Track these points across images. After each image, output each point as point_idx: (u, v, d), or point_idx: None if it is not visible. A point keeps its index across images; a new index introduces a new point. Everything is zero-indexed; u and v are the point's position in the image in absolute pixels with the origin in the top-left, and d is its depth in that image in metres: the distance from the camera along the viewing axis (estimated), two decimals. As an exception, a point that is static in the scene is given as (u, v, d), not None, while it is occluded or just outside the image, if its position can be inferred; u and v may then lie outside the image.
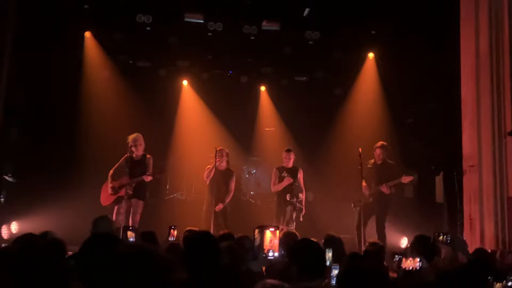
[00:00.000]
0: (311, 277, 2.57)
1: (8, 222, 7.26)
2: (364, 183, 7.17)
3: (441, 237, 3.72)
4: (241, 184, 9.52)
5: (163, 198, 9.08)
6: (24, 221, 7.24)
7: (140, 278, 1.39)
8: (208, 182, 7.34)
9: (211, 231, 6.85)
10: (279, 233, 6.67)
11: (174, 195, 9.19)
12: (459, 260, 3.94)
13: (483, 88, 6.46)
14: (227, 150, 7.53)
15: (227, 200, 7.35)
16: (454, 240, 3.71)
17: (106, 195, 6.80)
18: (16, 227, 7.34)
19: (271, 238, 2.69)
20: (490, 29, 6.45)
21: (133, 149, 6.75)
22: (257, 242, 2.60)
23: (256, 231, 2.68)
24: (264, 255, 2.61)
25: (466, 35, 6.73)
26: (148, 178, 6.77)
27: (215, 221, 7.01)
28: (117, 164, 6.87)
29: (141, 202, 6.80)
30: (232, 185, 7.48)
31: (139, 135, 6.90)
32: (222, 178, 7.35)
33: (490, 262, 3.74)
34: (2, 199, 7.53)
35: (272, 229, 2.67)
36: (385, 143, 7.43)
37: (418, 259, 3.61)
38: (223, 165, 7.41)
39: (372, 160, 7.40)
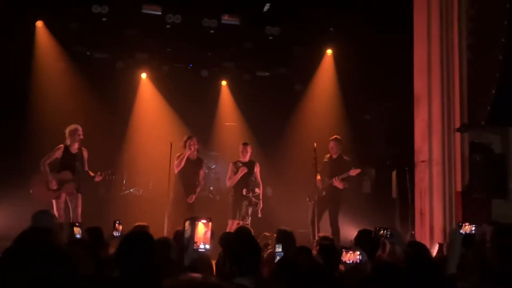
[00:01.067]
0: (242, 273, 2.54)
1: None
2: (318, 177, 7.24)
3: (381, 232, 3.77)
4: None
5: (118, 193, 8.90)
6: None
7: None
8: (177, 171, 7.05)
9: (166, 223, 6.69)
10: (233, 226, 6.72)
11: (131, 190, 9.03)
12: (397, 253, 4.01)
13: (434, 85, 6.62)
14: (196, 138, 7.26)
15: (198, 191, 7.19)
16: (393, 234, 3.76)
17: (43, 190, 6.47)
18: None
19: (205, 231, 2.64)
20: (441, 28, 6.61)
21: (69, 140, 6.53)
22: (187, 234, 2.55)
23: (187, 223, 2.62)
24: (195, 248, 2.55)
25: (419, 35, 6.87)
26: (98, 178, 6.60)
27: (175, 212, 6.79)
28: (52, 156, 6.56)
29: (79, 195, 6.59)
30: (202, 174, 7.33)
31: (79, 126, 6.67)
32: (193, 168, 7.13)
33: (423, 254, 3.81)
34: None
35: (204, 221, 2.62)
36: (338, 136, 7.51)
37: (358, 253, 3.65)
38: (195, 154, 7.18)
39: (328, 155, 7.47)
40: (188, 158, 7.04)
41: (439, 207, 6.44)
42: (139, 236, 2.58)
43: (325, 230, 7.03)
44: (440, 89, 6.51)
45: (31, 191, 6.52)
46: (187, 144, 7.00)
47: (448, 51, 6.49)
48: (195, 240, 2.54)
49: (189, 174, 7.06)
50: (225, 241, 3.00)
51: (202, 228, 2.58)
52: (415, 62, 6.85)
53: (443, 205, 6.42)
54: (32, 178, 6.63)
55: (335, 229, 7.14)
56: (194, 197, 7.08)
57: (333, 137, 7.45)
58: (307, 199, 7.20)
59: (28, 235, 2.84)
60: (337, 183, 7.16)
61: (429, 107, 6.64)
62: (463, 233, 3.37)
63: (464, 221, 3.57)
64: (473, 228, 3.41)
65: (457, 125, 6.41)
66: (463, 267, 3.37)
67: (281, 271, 2.87)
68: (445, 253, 5.47)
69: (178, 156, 7.08)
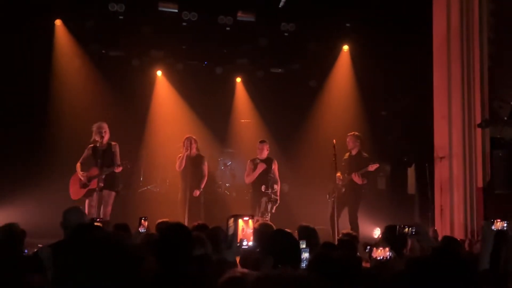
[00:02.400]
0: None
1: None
2: (338, 174, 7.25)
3: (406, 229, 3.77)
4: (216, 176, 9.48)
5: (136, 190, 8.95)
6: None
7: (109, 267, 1.36)
8: (179, 171, 7.36)
9: (186, 221, 6.85)
10: (254, 223, 6.76)
11: (148, 187, 9.08)
12: (425, 251, 4.01)
13: (454, 81, 6.60)
14: (194, 137, 7.52)
15: (203, 186, 7.36)
16: (419, 232, 3.76)
17: (76, 189, 6.61)
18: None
19: (243, 227, 2.67)
20: (461, 23, 6.58)
21: (97, 137, 6.60)
22: (231, 231, 2.58)
23: (231, 220, 2.65)
24: (238, 245, 2.59)
25: (438, 30, 6.85)
26: (118, 169, 6.66)
27: (190, 211, 7.01)
28: (83, 155, 6.70)
29: (112, 193, 6.68)
30: (205, 169, 7.49)
31: (104, 123, 6.74)
32: (193, 165, 7.36)
33: (457, 249, 3.81)
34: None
35: (246, 218, 2.65)
36: (356, 133, 7.53)
37: (388, 249, 3.66)
38: (193, 152, 7.41)
39: (348, 152, 7.50)
40: (188, 157, 7.26)
41: (460, 203, 6.43)
42: (178, 231, 2.61)
43: (344, 226, 7.04)
44: (461, 84, 6.49)
45: (70, 192, 6.65)
46: (184, 145, 7.28)
47: (469, 45, 6.45)
48: (238, 237, 2.56)
49: (191, 172, 7.27)
50: (266, 238, 3.03)
51: (244, 225, 2.61)
52: (434, 57, 6.83)
53: (464, 201, 6.41)
54: (59, 175, 6.77)
55: (355, 226, 7.15)
56: (198, 192, 7.24)
57: (350, 133, 7.47)
58: (327, 196, 7.21)
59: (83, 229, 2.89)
60: (356, 178, 7.17)
61: (449, 103, 6.62)
62: (495, 229, 3.36)
63: (486, 217, 3.57)
64: (505, 225, 3.40)
65: (478, 120, 6.38)
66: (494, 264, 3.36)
67: (316, 266, 2.89)
68: (467, 249, 5.47)
69: (178, 158, 7.38)
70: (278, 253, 2.62)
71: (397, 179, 9.26)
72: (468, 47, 6.53)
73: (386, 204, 8.64)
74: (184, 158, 7.26)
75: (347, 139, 7.39)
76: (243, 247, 2.59)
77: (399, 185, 9.16)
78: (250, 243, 2.64)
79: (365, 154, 7.44)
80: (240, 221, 2.63)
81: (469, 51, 6.47)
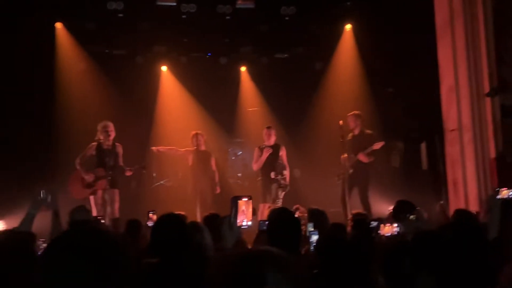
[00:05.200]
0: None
1: (-8, 221, 7.19)
2: (345, 155, 7.20)
3: (411, 217, 3.73)
4: (227, 166, 9.49)
5: (149, 186, 9.03)
6: (10, 218, 7.16)
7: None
8: (190, 166, 7.56)
9: (198, 213, 6.93)
10: (265, 209, 6.76)
11: (161, 182, 9.14)
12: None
13: (459, 51, 6.43)
14: (201, 132, 7.70)
15: (217, 180, 7.64)
16: (419, 217, 3.71)
17: (78, 188, 6.65)
18: (3, 225, 7.26)
19: (243, 209, 2.68)
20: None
21: (102, 136, 6.64)
22: (232, 212, 2.60)
23: (231, 202, 2.67)
24: (238, 225, 2.60)
25: (441, 1, 6.67)
26: (129, 173, 6.77)
27: (203, 203, 7.16)
28: (86, 154, 6.73)
29: (117, 191, 6.76)
30: (213, 164, 7.74)
31: (109, 122, 6.79)
32: (202, 160, 7.57)
33: (471, 221, 3.74)
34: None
35: (245, 199, 2.67)
36: (356, 111, 7.47)
37: (395, 225, 3.62)
38: (202, 147, 7.63)
39: (351, 133, 7.43)
40: (196, 153, 7.41)
41: (473, 175, 6.30)
42: (169, 220, 2.62)
43: (357, 207, 7.00)
44: (466, 53, 6.32)
45: (68, 189, 6.72)
46: (192, 141, 7.52)
47: (472, 12, 6.26)
48: (239, 217, 2.58)
49: (201, 168, 7.53)
50: (269, 219, 3.02)
51: (243, 206, 2.62)
52: (437, 27, 6.67)
53: (477, 172, 6.28)
54: (69, 177, 6.84)
55: (366, 205, 7.11)
56: (218, 189, 7.56)
57: (350, 113, 7.42)
58: (336, 178, 7.18)
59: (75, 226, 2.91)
60: (362, 157, 7.13)
61: (455, 73, 6.47)
62: (501, 198, 3.30)
63: (500, 187, 3.50)
64: (511, 193, 3.34)
65: (487, 89, 6.22)
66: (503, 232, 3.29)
67: (323, 248, 2.87)
68: (481, 221, 5.37)
69: (186, 151, 7.67)
70: (276, 234, 2.61)
71: (411, 155, 9.14)
72: (472, 16, 6.35)
73: (400, 182, 8.52)
74: (191, 154, 7.47)
75: (348, 120, 7.35)
76: (243, 227, 2.60)
77: (413, 161, 9.04)
78: (249, 223, 2.65)
79: (367, 131, 7.39)
80: (242, 202, 2.64)
81: (473, 18, 6.28)
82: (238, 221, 2.68)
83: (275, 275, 1.19)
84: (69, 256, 1.32)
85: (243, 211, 2.73)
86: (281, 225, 2.80)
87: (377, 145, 7.03)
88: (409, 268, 2.28)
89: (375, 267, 2.61)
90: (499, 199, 3.30)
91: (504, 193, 3.29)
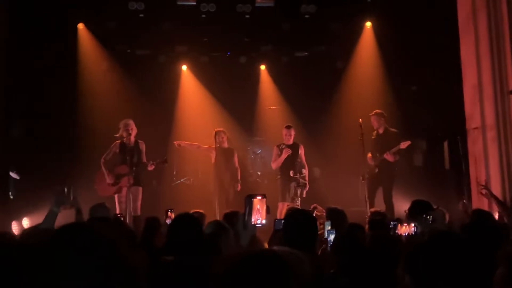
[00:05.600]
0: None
1: (18, 218, 7.38)
2: (369, 154, 7.15)
3: (428, 217, 3.67)
4: (247, 165, 9.51)
5: (170, 184, 9.12)
6: (35, 215, 7.34)
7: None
8: (213, 164, 7.63)
9: (217, 211, 6.97)
10: (283, 209, 6.76)
11: (182, 180, 9.23)
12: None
13: (483, 48, 6.30)
14: (223, 130, 7.79)
15: (239, 177, 7.77)
16: (436, 218, 3.65)
17: (104, 186, 6.79)
18: (28, 222, 7.46)
19: (258, 208, 2.69)
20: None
21: (124, 134, 6.74)
22: (246, 211, 2.61)
23: (245, 201, 2.69)
24: (253, 223, 2.61)
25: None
26: (151, 167, 6.83)
27: (225, 201, 7.22)
28: (110, 152, 6.87)
29: (140, 188, 6.85)
30: (236, 161, 7.83)
31: (130, 120, 6.90)
32: (225, 158, 7.66)
33: (489, 221, 3.67)
34: (11, 196, 7.64)
35: (259, 197, 2.68)
36: (378, 110, 7.38)
37: (413, 225, 3.58)
38: (225, 144, 7.69)
39: (375, 131, 7.36)
40: (219, 150, 7.50)
41: (497, 175, 6.17)
42: (185, 220, 2.64)
43: (380, 206, 6.93)
44: (489, 50, 6.19)
45: (95, 187, 6.87)
46: (215, 139, 7.56)
47: (496, 9, 6.13)
48: (253, 215, 2.59)
49: (224, 165, 7.60)
50: (286, 219, 3.03)
51: (258, 204, 2.64)
52: (460, 24, 6.54)
53: (501, 172, 6.15)
54: (93, 174, 6.99)
55: (390, 205, 7.05)
56: (239, 186, 7.61)
57: (372, 112, 7.34)
58: (360, 178, 7.11)
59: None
60: (389, 157, 7.06)
61: (478, 71, 6.34)
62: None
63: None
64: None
65: (511, 87, 6.08)
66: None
67: (338, 248, 2.86)
68: (506, 221, 5.26)
69: (208, 148, 7.77)
70: (290, 230, 2.61)
71: (434, 154, 9.00)
72: (495, 12, 6.21)
73: (423, 181, 8.39)
74: (214, 152, 7.51)
75: (371, 120, 7.28)
76: (257, 225, 2.62)
77: (436, 161, 8.90)
78: (264, 221, 2.66)
79: (392, 130, 7.31)
80: (256, 201, 2.66)
81: (496, 13, 6.14)
82: (252, 219, 2.70)
83: (283, 275, 1.19)
84: (60, 255, 1.32)
85: (258, 209, 2.74)
86: (296, 225, 2.80)
87: (404, 144, 6.94)
88: (425, 268, 2.25)
89: (400, 267, 2.59)
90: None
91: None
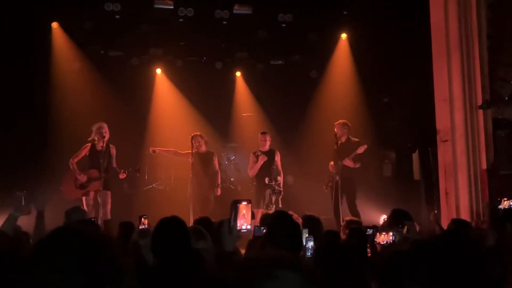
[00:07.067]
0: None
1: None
2: (331, 163, 7.28)
3: (405, 227, 3.75)
4: (220, 171, 9.47)
5: (141, 189, 8.98)
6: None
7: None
8: (191, 168, 7.52)
9: (191, 217, 6.89)
10: (258, 215, 6.77)
11: (153, 185, 9.10)
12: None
13: (454, 63, 6.54)
14: (201, 134, 7.69)
15: (219, 181, 7.68)
16: (410, 229, 3.73)
17: (71, 188, 6.64)
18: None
19: (244, 212, 2.68)
20: (459, 5, 6.50)
21: (96, 138, 6.62)
22: (232, 216, 2.59)
23: (231, 206, 2.67)
24: (238, 229, 2.60)
25: (436, 12, 6.77)
26: (123, 176, 6.75)
27: (200, 207, 7.12)
28: (80, 155, 6.73)
29: (109, 193, 6.75)
30: (216, 165, 7.75)
31: (104, 123, 6.77)
32: (204, 162, 7.55)
33: (466, 231, 3.79)
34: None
35: (244, 203, 2.67)
36: (342, 120, 7.54)
37: (391, 233, 3.65)
38: (203, 148, 7.58)
39: (339, 141, 7.50)
40: (196, 155, 7.39)
41: (465, 186, 6.39)
42: (171, 223, 2.62)
43: (348, 214, 7.03)
44: (460, 66, 6.43)
45: (61, 189, 6.69)
46: (192, 143, 7.46)
47: (467, 26, 6.38)
48: (239, 221, 2.58)
49: (202, 170, 7.49)
50: (268, 224, 3.03)
51: (243, 210, 2.62)
52: (433, 40, 6.76)
53: (469, 183, 6.37)
54: (62, 177, 6.81)
55: (355, 213, 7.14)
56: (219, 190, 7.57)
57: (337, 122, 7.49)
58: (324, 187, 7.25)
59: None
60: (348, 162, 7.19)
61: (449, 85, 6.56)
62: (502, 208, 3.36)
63: (491, 199, 3.56)
64: (512, 203, 3.40)
65: (479, 102, 6.32)
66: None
67: (323, 254, 2.88)
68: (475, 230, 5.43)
69: (185, 153, 7.63)
70: (279, 236, 2.62)
71: (403, 165, 9.22)
72: (466, 29, 6.46)
73: (392, 192, 8.58)
74: (191, 156, 7.38)
75: (335, 128, 7.39)
76: (242, 231, 2.61)
77: (405, 171, 9.11)
78: (249, 227, 2.65)
79: (354, 139, 7.47)
80: (240, 206, 2.64)
81: (467, 32, 6.40)
82: (238, 225, 2.68)
83: (295, 276, 1.21)
84: (57, 256, 1.30)
85: (243, 215, 2.73)
86: (282, 227, 2.80)
87: (361, 149, 7.11)
88: (405, 277, 2.30)
89: (369, 274, 2.63)
90: (500, 208, 3.36)
91: (505, 203, 3.35)
